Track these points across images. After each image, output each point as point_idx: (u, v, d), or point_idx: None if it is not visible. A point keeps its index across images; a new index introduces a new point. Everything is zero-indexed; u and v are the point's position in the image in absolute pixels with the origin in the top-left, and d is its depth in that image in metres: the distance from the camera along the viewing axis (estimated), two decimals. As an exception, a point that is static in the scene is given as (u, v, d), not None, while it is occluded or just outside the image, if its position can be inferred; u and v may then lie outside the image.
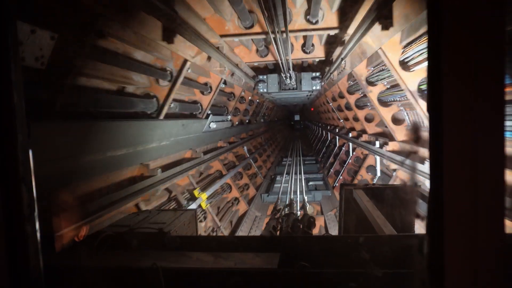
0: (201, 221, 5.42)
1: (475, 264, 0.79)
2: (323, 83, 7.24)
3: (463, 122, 0.72)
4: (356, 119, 8.09)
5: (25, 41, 1.75)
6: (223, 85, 6.47)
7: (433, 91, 0.71)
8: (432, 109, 0.72)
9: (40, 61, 1.91)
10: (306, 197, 6.30)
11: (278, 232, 2.79)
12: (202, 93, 5.74)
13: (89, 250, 1.87)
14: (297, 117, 36.24)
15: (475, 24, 0.72)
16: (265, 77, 7.14)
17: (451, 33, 0.72)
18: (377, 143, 5.82)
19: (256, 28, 4.16)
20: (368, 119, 7.21)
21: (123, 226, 2.28)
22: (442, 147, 0.72)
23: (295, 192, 7.30)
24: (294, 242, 1.62)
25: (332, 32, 4.24)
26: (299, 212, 4.88)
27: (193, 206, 4.88)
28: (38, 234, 0.99)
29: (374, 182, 6.87)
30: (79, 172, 2.60)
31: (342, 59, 4.65)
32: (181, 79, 4.07)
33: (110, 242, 1.89)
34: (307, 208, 5.22)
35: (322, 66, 6.99)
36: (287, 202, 5.21)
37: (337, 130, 10.90)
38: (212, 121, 5.51)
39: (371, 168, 7.22)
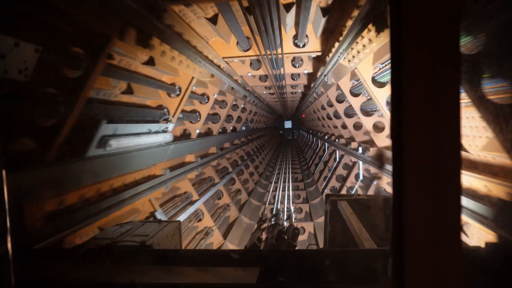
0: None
1: (437, 279, 0.81)
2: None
3: (422, 146, 0.76)
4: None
5: (8, 54, 1.75)
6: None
7: (395, 120, 0.74)
8: (394, 136, 0.75)
9: (23, 74, 1.91)
10: (292, 208, 6.33)
11: (263, 243, 2.80)
12: (200, 102, 5.90)
13: (70, 264, 1.85)
14: (288, 124, 27.48)
15: (434, 52, 0.76)
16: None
17: (411, 64, 0.76)
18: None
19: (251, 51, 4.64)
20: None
21: (105, 238, 2.26)
22: (402, 171, 0.76)
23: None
24: (275, 256, 1.64)
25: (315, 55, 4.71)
26: (285, 223, 4.90)
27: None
28: (11, 253, 0.99)
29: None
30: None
31: (324, 76, 4.96)
32: (188, 92, 4.53)
33: (92, 255, 1.88)
34: (293, 218, 5.24)
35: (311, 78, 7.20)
36: (273, 212, 5.20)
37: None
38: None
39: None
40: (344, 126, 7.96)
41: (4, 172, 0.93)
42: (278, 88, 7.77)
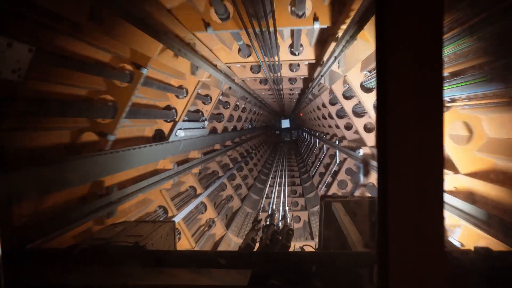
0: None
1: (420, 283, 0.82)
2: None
3: (405, 156, 0.78)
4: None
5: (1, 54, 1.74)
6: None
7: (380, 131, 0.76)
8: (379, 147, 0.77)
9: (17, 74, 1.90)
10: (287, 208, 6.36)
11: (257, 244, 2.81)
12: (177, 97, 5.48)
13: (62, 264, 1.84)
14: (286, 123, 24.35)
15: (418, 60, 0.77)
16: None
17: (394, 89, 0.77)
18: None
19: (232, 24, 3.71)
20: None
21: (100, 239, 2.25)
22: (387, 179, 0.77)
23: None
24: (267, 258, 1.65)
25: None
26: (280, 223, 4.91)
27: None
28: (1, 256, 0.99)
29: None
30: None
31: (321, 77, 5.28)
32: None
33: (86, 256, 1.87)
34: (288, 219, 5.27)
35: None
36: (269, 212, 5.22)
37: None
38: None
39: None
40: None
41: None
42: (274, 83, 7.58)
